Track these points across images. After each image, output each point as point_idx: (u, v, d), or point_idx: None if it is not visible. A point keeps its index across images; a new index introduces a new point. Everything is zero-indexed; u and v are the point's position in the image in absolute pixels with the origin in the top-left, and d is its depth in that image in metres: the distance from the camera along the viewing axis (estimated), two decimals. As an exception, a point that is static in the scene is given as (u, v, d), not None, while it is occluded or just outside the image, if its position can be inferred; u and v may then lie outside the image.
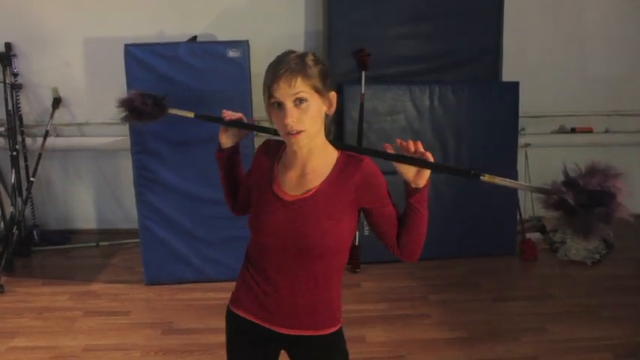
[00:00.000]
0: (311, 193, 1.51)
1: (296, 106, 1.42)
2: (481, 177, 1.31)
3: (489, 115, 4.13)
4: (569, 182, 1.14)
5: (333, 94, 1.51)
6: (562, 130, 4.89)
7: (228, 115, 1.72)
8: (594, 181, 1.12)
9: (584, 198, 1.11)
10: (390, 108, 4.09)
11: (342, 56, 4.18)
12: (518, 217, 4.42)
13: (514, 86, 4.17)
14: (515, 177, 4.27)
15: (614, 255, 4.26)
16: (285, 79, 1.41)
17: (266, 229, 1.53)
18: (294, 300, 1.56)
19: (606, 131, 4.84)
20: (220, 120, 1.73)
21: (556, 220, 1.17)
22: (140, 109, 2.03)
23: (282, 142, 1.58)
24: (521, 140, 4.47)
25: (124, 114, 2.06)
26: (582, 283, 3.84)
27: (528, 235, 4.43)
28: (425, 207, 1.49)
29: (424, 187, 1.44)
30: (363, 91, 4.03)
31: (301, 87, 1.42)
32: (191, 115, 1.98)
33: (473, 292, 3.73)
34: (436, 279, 3.90)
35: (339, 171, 1.51)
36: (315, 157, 1.52)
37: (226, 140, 1.74)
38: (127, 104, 2.04)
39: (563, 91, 4.77)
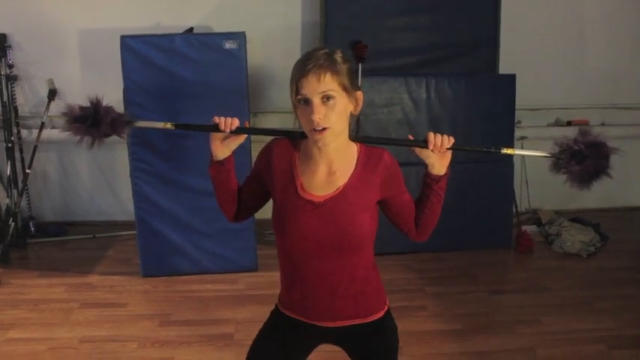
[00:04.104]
0: (340, 190, 1.52)
1: (323, 102, 1.42)
2: (502, 151, 1.62)
3: (486, 107, 4.13)
4: (572, 141, 1.57)
5: (359, 94, 1.52)
6: (558, 123, 4.89)
7: (226, 123, 1.54)
8: (587, 137, 1.56)
9: (587, 145, 1.55)
10: (386, 100, 4.08)
11: (339, 48, 4.16)
12: (514, 209, 4.43)
13: (510, 79, 4.16)
14: (511, 171, 4.29)
15: (609, 247, 4.28)
16: (313, 74, 1.41)
17: (300, 234, 1.52)
18: (334, 296, 1.57)
19: (602, 124, 4.85)
20: (215, 128, 1.53)
21: (569, 175, 1.58)
22: (101, 119, 1.72)
23: (297, 142, 1.57)
24: (518, 133, 4.47)
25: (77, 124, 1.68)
26: (577, 276, 3.86)
27: (524, 228, 4.44)
28: (445, 191, 1.59)
29: (446, 173, 1.56)
30: (359, 83, 4.02)
31: (329, 84, 1.42)
32: (171, 126, 1.68)
33: (469, 284, 3.75)
34: (432, 271, 3.92)
35: (363, 165, 1.54)
36: (341, 155, 1.53)
37: (223, 151, 1.58)
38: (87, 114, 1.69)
39: (559, 84, 4.77)
